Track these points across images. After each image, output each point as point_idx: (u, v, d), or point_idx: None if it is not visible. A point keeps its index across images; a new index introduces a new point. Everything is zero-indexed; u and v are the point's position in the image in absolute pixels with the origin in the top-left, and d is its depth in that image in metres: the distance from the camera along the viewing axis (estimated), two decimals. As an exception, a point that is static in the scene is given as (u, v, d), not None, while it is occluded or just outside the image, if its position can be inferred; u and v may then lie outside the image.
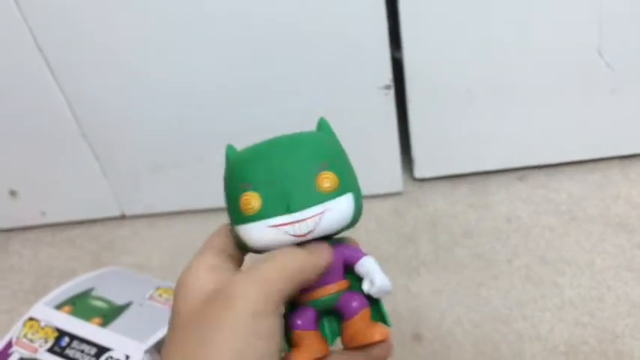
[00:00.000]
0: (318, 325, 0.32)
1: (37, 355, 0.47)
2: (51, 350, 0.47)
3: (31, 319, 0.50)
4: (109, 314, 0.50)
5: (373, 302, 0.32)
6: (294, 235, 0.30)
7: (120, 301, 0.52)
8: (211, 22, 0.58)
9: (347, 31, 0.58)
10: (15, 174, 0.71)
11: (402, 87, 0.63)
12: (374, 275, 0.31)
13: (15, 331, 0.50)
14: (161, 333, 0.47)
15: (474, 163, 0.68)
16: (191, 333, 0.27)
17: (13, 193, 0.72)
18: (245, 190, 0.31)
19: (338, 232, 0.32)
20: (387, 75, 0.61)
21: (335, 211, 0.31)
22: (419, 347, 0.53)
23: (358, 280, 0.32)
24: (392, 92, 0.62)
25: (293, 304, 0.31)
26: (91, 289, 0.54)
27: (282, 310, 0.28)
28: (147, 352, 0.46)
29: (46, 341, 0.48)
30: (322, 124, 0.37)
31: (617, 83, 0.61)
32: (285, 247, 0.30)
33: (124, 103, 0.65)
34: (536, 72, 0.61)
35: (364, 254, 0.32)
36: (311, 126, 0.66)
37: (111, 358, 0.45)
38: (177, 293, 0.29)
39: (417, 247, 0.62)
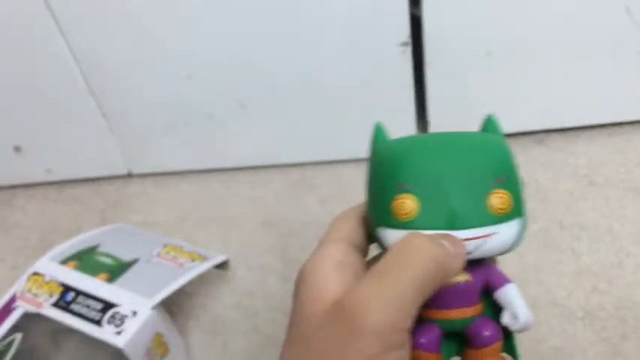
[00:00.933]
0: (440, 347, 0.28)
1: (42, 310, 0.47)
2: (56, 305, 0.46)
3: (35, 273, 0.49)
4: (116, 270, 0.49)
5: (506, 334, 0.29)
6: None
7: (127, 257, 0.51)
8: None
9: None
10: (20, 130, 0.70)
11: (419, 46, 0.61)
12: (519, 309, 0.28)
13: (19, 285, 0.49)
14: (168, 289, 0.47)
15: (491, 126, 0.66)
16: (315, 351, 0.24)
17: (17, 149, 0.71)
18: (402, 191, 0.27)
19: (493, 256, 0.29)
20: (404, 31, 0.58)
21: (502, 236, 0.28)
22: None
23: (493, 305, 0.29)
24: (409, 50, 0.60)
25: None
26: (98, 245, 0.53)
27: (410, 331, 0.25)
28: (154, 308, 0.45)
29: (50, 296, 0.47)
30: (491, 124, 0.33)
31: (644, 43, 0.59)
32: (415, 237, 0.26)
33: (132, 60, 0.63)
34: (559, 33, 0.59)
35: (508, 281, 0.29)
36: (325, 81, 0.64)
37: (117, 313, 0.44)
38: (298, 291, 0.27)
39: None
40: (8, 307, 0.48)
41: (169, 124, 0.67)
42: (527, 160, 0.63)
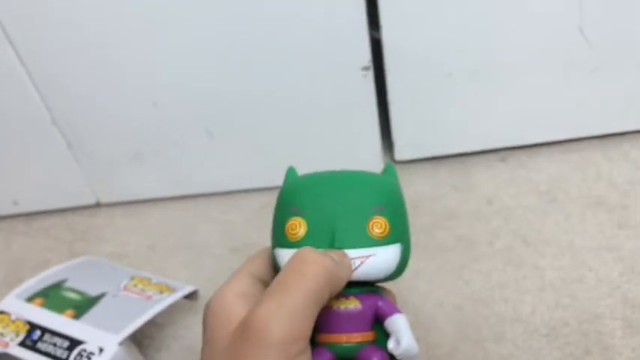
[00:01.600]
0: None
1: (9, 350, 0.46)
2: (22, 344, 0.46)
3: (1, 312, 0.49)
4: (82, 306, 0.49)
5: None
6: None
7: (93, 292, 0.51)
8: (187, 2, 0.56)
9: (324, 10, 0.57)
10: (-16, 162, 0.69)
11: (381, 68, 0.62)
12: (402, 335, 0.30)
13: (-15, 325, 0.48)
14: (136, 324, 0.46)
15: (454, 145, 0.67)
16: None
17: (-17, 182, 0.70)
18: (293, 215, 0.30)
19: (377, 281, 0.31)
20: (365, 56, 0.60)
21: (379, 258, 0.30)
22: None
23: (385, 335, 0.31)
24: (371, 73, 0.61)
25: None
26: (64, 280, 0.53)
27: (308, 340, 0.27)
28: (121, 344, 0.45)
29: (17, 335, 0.47)
30: (389, 169, 0.36)
31: (597, 61, 0.60)
32: (306, 251, 0.28)
33: (96, 88, 0.63)
34: (516, 52, 0.60)
35: (398, 311, 0.31)
36: (287, 108, 0.65)
37: (84, 351, 0.44)
38: (205, 321, 0.29)
39: (398, 230, 0.61)
40: (-26, 348, 0.47)
41: (136, 152, 0.67)
42: (490, 178, 0.65)
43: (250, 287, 0.30)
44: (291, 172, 0.34)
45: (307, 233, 0.30)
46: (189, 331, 0.56)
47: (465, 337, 0.51)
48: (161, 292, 0.52)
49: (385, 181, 0.33)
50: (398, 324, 0.30)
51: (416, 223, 0.61)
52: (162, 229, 0.68)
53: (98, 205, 0.72)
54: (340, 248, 0.30)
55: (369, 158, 0.67)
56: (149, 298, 0.50)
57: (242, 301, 0.28)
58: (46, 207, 0.73)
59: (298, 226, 0.30)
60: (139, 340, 0.53)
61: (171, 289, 0.53)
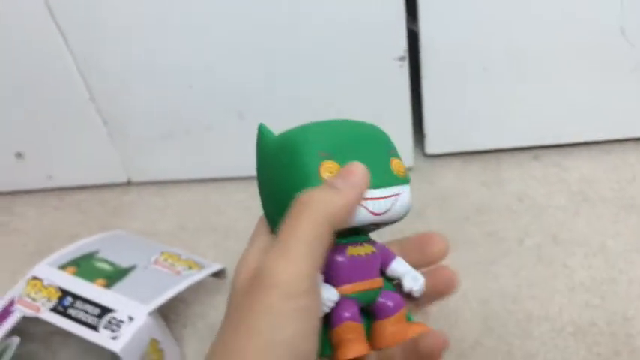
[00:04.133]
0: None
1: (40, 314, 0.47)
2: (54, 309, 0.47)
3: (34, 278, 0.50)
4: (113, 276, 0.49)
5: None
6: (372, 213, 0.30)
7: (124, 263, 0.51)
8: (225, -15, 0.57)
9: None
10: (22, 136, 0.71)
11: (417, 61, 0.62)
12: (414, 273, 0.31)
13: (18, 289, 0.49)
14: (165, 296, 0.47)
15: (487, 141, 0.67)
16: (232, 316, 0.27)
17: (19, 156, 0.72)
18: (325, 159, 0.30)
19: (396, 221, 0.32)
20: (402, 46, 0.59)
21: (405, 197, 0.31)
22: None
23: (387, 279, 0.32)
24: (406, 64, 0.61)
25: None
26: (96, 252, 0.53)
27: (319, 280, 0.28)
28: (150, 314, 0.45)
29: (49, 300, 0.48)
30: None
31: (637, 62, 0.60)
32: (306, 193, 0.28)
33: (134, 68, 0.64)
34: (554, 49, 0.60)
35: (395, 254, 0.32)
36: (321, 93, 0.65)
37: (114, 319, 0.45)
38: (233, 280, 0.30)
39: (427, 223, 0.61)
40: (7, 311, 0.48)
41: (169, 133, 0.68)
42: (522, 175, 0.64)
43: (269, 243, 0.31)
44: (265, 131, 0.33)
45: None
46: (215, 310, 0.56)
47: (490, 331, 0.51)
48: (190, 268, 0.52)
49: (380, 129, 0.34)
50: (404, 264, 0.32)
51: (445, 216, 0.61)
52: (191, 210, 0.69)
53: (129, 183, 0.73)
54: (377, 187, 0.30)
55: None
56: (178, 272, 0.51)
57: (260, 254, 0.30)
58: (79, 183, 0.74)
59: (335, 170, 0.30)
60: (165, 314, 0.54)
61: (200, 266, 0.53)
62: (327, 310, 0.29)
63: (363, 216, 0.29)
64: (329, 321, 0.29)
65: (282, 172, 0.31)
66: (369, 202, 0.29)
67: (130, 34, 0.61)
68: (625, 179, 0.61)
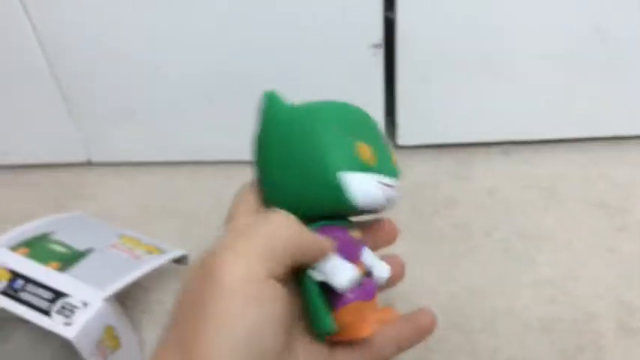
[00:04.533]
0: None
1: (-12, 297, 0.44)
2: (4, 293, 0.44)
3: (-17, 259, 0.47)
4: (68, 259, 0.47)
5: None
6: (387, 200, 0.30)
7: (81, 246, 0.49)
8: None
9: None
10: (-26, 109, 0.67)
11: (391, 51, 0.61)
12: (382, 263, 0.32)
13: (-35, 270, 0.47)
14: (122, 281, 0.45)
15: (459, 134, 0.67)
16: (182, 305, 0.26)
17: (-28, 130, 0.68)
18: (359, 139, 0.29)
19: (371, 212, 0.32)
20: (377, 33, 0.58)
21: (398, 190, 0.32)
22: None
23: None
24: (381, 52, 0.59)
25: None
26: (51, 233, 0.51)
27: (280, 276, 0.27)
28: (106, 299, 0.43)
29: (-2, 282, 0.45)
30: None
31: (611, 61, 0.60)
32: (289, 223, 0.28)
33: (99, 44, 0.61)
34: (529, 45, 0.60)
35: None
36: (295, 79, 0.64)
37: (68, 304, 0.43)
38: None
39: (396, 214, 0.60)
40: (-48, 293, 0.45)
41: (132, 112, 0.66)
42: (492, 170, 0.64)
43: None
44: (274, 96, 0.32)
45: (378, 159, 0.30)
46: (175, 297, 0.54)
47: (457, 326, 0.50)
48: (150, 253, 0.50)
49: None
50: (372, 254, 0.32)
51: (414, 209, 0.61)
52: (153, 193, 0.66)
53: (89, 163, 0.70)
54: (396, 176, 0.31)
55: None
56: (138, 257, 0.49)
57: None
58: (36, 160, 0.71)
59: (369, 151, 0.29)
60: (122, 300, 0.51)
61: (161, 251, 0.51)
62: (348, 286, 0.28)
63: (377, 199, 0.29)
64: (331, 301, 0.29)
65: (303, 147, 0.29)
66: (391, 189, 0.29)
67: (95, 7, 0.58)
68: (593, 178, 0.62)
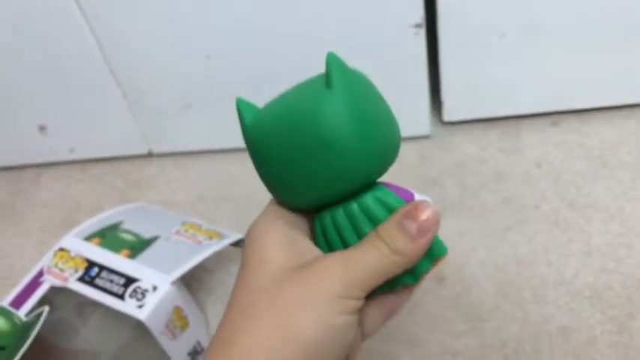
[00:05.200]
0: None
1: (68, 284, 0.49)
2: (81, 279, 0.49)
3: (61, 249, 0.51)
4: (137, 247, 0.51)
5: None
6: None
7: (147, 234, 0.53)
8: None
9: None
10: (44, 110, 0.72)
11: (434, 27, 0.61)
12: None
13: (46, 260, 0.51)
14: (187, 266, 0.48)
15: (505, 107, 0.67)
16: (275, 304, 0.27)
17: (42, 129, 0.73)
18: None
19: None
20: (418, 13, 0.59)
21: None
22: (440, 289, 0.53)
23: None
24: (423, 31, 0.60)
25: None
26: (120, 223, 0.55)
27: (361, 304, 0.28)
28: (173, 283, 0.47)
29: (76, 271, 0.49)
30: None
31: (660, 25, 0.58)
32: (375, 250, 0.28)
33: (152, 39, 0.64)
34: (573, 14, 0.59)
35: None
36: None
37: (139, 288, 0.46)
38: (247, 252, 0.30)
39: (443, 190, 0.61)
40: (36, 282, 0.50)
41: (188, 104, 0.69)
42: (540, 141, 0.64)
43: (291, 240, 0.30)
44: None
45: None
46: (235, 278, 0.58)
47: (506, 297, 0.52)
48: (211, 238, 0.53)
49: None
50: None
51: (462, 184, 0.62)
52: (211, 180, 0.70)
53: (150, 154, 0.74)
54: None
55: (416, 119, 0.66)
56: (199, 243, 0.52)
57: (287, 239, 0.29)
58: (100, 155, 0.75)
59: None
60: (188, 282, 0.55)
61: (221, 236, 0.55)
62: None
63: None
64: None
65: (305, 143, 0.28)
66: None
67: (148, 4, 0.61)
68: (645, 144, 0.61)
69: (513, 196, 0.59)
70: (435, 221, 0.28)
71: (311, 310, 0.26)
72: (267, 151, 0.30)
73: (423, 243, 0.28)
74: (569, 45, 0.61)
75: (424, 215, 0.28)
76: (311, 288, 0.27)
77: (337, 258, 0.28)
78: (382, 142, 0.29)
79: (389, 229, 0.28)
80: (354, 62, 0.63)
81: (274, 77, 0.65)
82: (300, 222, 0.32)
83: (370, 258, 0.28)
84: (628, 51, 0.60)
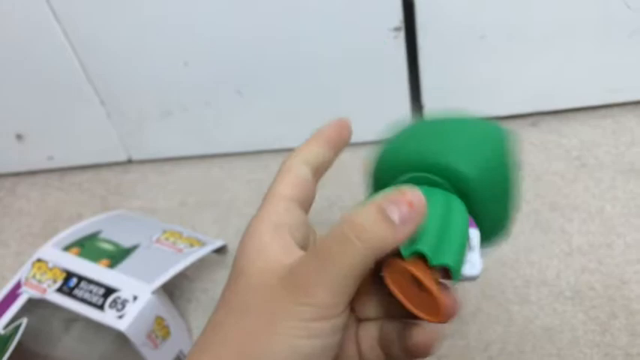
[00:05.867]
0: None
1: (46, 296, 0.48)
2: (60, 290, 0.48)
3: (39, 260, 0.50)
4: (117, 256, 0.50)
5: None
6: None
7: (127, 243, 0.52)
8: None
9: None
10: (21, 118, 0.71)
11: (413, 30, 0.61)
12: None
13: (24, 271, 0.50)
14: (167, 274, 0.48)
15: (485, 109, 0.66)
16: (244, 324, 0.26)
17: (19, 137, 0.72)
18: None
19: None
20: (397, 16, 0.59)
21: None
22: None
23: None
24: (402, 34, 0.60)
25: None
26: (99, 232, 0.54)
27: (342, 321, 0.26)
28: (154, 292, 0.46)
29: (54, 282, 0.48)
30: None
31: (636, 26, 0.59)
32: (365, 221, 0.26)
33: (130, 46, 0.63)
34: (551, 16, 0.59)
35: None
36: (319, 68, 0.65)
37: (119, 298, 0.46)
38: (240, 251, 0.28)
39: (425, 192, 0.61)
40: (14, 293, 0.49)
41: (167, 110, 0.68)
42: (520, 142, 0.64)
43: (284, 215, 0.29)
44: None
45: None
46: (218, 285, 0.57)
47: (489, 298, 0.52)
48: (192, 246, 0.53)
49: None
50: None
51: (443, 185, 0.61)
52: (192, 186, 0.69)
53: (130, 161, 0.73)
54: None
55: (397, 121, 0.66)
56: (180, 250, 0.52)
57: (276, 237, 0.28)
58: (79, 162, 0.74)
59: None
60: (170, 290, 0.55)
61: (202, 243, 0.54)
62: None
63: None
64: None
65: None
66: None
67: (124, 11, 0.61)
68: (623, 143, 0.61)
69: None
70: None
71: (278, 335, 0.25)
72: None
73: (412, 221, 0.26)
74: (545, 46, 0.61)
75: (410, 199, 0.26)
76: (281, 306, 0.25)
77: (307, 267, 0.26)
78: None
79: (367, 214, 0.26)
80: (335, 67, 0.64)
81: (253, 83, 0.65)
82: (297, 230, 0.29)
83: (342, 257, 0.25)
84: (604, 51, 0.61)
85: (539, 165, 0.61)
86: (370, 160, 0.33)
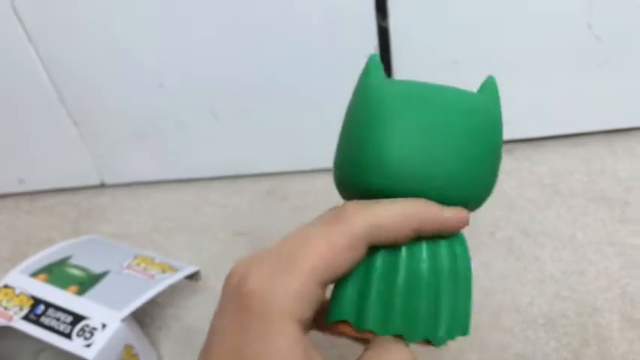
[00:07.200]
0: None
1: (12, 323, 0.47)
2: (26, 318, 0.46)
3: (5, 286, 0.49)
4: (86, 282, 0.49)
5: None
6: None
7: (97, 269, 0.51)
8: (193, -15, 0.57)
9: (332, -4, 0.57)
10: (-8, 140, 0.70)
11: (388, 55, 0.62)
12: None
13: (-11, 298, 0.49)
14: (138, 301, 0.47)
15: (459, 136, 0.67)
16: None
17: (-11, 160, 0.71)
18: None
19: None
20: (372, 42, 0.60)
21: None
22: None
23: None
24: (377, 61, 0.61)
25: None
26: (68, 257, 0.53)
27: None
28: (123, 320, 0.45)
29: (21, 309, 0.47)
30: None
31: (605, 56, 0.60)
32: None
33: (103, 68, 0.63)
34: (523, 44, 0.60)
35: None
36: (292, 93, 0.65)
37: (87, 326, 0.45)
38: (237, 295, 0.26)
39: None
40: (-22, 321, 0.47)
41: (141, 133, 0.67)
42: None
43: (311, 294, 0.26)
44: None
45: None
46: (190, 312, 0.56)
47: (464, 325, 0.51)
48: (164, 272, 0.52)
49: None
50: None
51: (418, 212, 0.62)
52: (165, 210, 0.68)
53: (102, 185, 0.72)
54: None
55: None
56: (152, 277, 0.51)
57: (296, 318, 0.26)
58: (51, 186, 0.73)
59: None
60: (140, 318, 0.54)
61: (174, 269, 0.53)
62: None
63: None
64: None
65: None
66: None
67: (97, 33, 0.60)
68: (595, 172, 0.62)
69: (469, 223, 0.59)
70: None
71: None
72: (391, 116, 0.29)
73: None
74: (519, 74, 0.62)
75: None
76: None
77: None
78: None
79: None
80: (311, 92, 0.64)
81: (228, 105, 0.65)
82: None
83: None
84: (576, 80, 0.62)
85: (512, 192, 0.62)
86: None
